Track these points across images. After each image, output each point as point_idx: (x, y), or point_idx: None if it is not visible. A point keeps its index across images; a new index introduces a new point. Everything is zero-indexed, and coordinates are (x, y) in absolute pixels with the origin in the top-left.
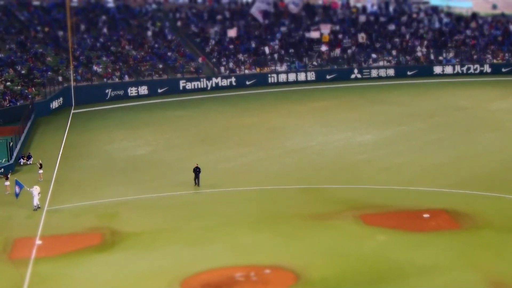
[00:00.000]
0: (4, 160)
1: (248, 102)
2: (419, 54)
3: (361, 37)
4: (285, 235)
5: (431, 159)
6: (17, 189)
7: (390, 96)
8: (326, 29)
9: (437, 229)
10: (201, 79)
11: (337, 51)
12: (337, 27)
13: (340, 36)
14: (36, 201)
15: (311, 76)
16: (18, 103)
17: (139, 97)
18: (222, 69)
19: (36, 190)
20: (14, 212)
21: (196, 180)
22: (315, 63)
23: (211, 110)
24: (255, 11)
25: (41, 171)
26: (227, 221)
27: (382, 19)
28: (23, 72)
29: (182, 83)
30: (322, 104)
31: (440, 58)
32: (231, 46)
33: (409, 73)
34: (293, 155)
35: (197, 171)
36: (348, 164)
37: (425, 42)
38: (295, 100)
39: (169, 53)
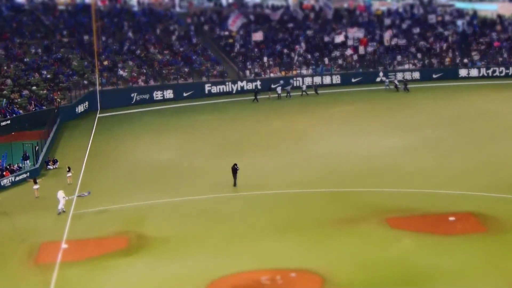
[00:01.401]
0: (30, 164)
1: (273, 106)
2: (444, 56)
3: (386, 40)
4: (311, 240)
5: (457, 163)
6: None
7: (416, 99)
8: (353, 32)
9: (463, 233)
10: (227, 83)
11: (362, 54)
12: (362, 30)
13: (365, 38)
14: (61, 206)
15: (336, 79)
16: (43, 108)
17: (164, 101)
18: (248, 72)
19: (60, 194)
20: (40, 217)
21: (234, 181)
22: (339, 63)
23: (236, 114)
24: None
25: (69, 174)
26: (253, 226)
27: (407, 21)
28: (48, 76)
29: (207, 87)
30: (347, 108)
31: (465, 61)
32: (256, 50)
33: (434, 76)
34: (318, 160)
35: (235, 170)
36: (373, 168)
37: (451, 45)
38: (321, 104)
39: (194, 57)
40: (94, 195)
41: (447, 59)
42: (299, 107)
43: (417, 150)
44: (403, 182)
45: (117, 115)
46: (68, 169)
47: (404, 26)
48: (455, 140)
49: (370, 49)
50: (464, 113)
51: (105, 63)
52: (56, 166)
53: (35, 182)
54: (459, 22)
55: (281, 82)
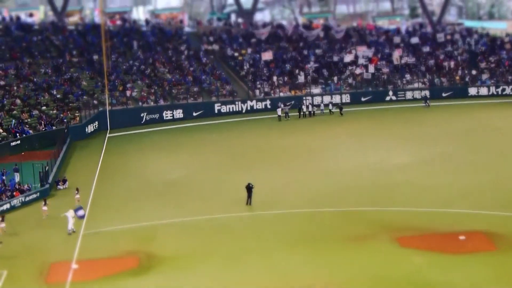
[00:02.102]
0: (39, 184)
1: (283, 125)
2: (454, 75)
3: (396, 58)
4: (321, 257)
5: (467, 181)
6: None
7: (425, 117)
8: (362, 51)
9: (474, 251)
10: (236, 102)
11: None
12: (372, 49)
13: (375, 57)
14: (70, 226)
15: (346, 98)
16: (53, 127)
17: (174, 120)
18: (257, 92)
19: (70, 214)
20: (51, 236)
21: (249, 200)
22: (349, 81)
23: (246, 133)
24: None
25: (78, 195)
26: (263, 243)
27: (416, 40)
28: (58, 96)
29: (217, 106)
30: (357, 126)
31: (474, 72)
32: (266, 69)
33: (444, 94)
34: (329, 177)
35: (249, 189)
36: (384, 186)
37: (460, 64)
38: (331, 122)
39: (204, 76)
40: (105, 214)
41: (457, 78)
42: (309, 126)
43: (427, 167)
44: (413, 200)
45: (127, 134)
46: (76, 191)
47: (413, 45)
48: (465, 157)
49: (381, 68)
50: (474, 130)
51: (119, 88)
52: (66, 186)
53: (45, 203)
54: (469, 41)
55: (292, 102)
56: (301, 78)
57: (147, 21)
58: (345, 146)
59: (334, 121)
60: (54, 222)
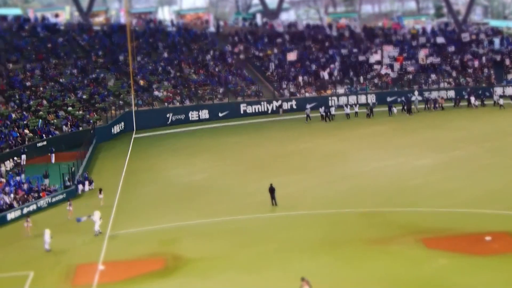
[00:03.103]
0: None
1: (308, 126)
2: (479, 75)
3: (421, 58)
4: (344, 260)
5: (488, 183)
6: (83, 218)
7: (448, 119)
8: (388, 51)
9: (500, 253)
10: (262, 103)
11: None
12: (397, 49)
13: (401, 57)
14: (97, 227)
15: (372, 98)
16: (79, 128)
17: (200, 121)
18: (285, 92)
19: (97, 215)
20: (76, 238)
21: (273, 201)
22: (375, 82)
23: (269, 135)
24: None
25: (101, 196)
26: (284, 247)
27: (441, 40)
28: (84, 97)
29: (243, 107)
30: (380, 128)
31: (501, 79)
32: (292, 70)
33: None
34: (348, 180)
35: (272, 190)
36: (403, 189)
37: (485, 63)
38: (355, 124)
39: (229, 77)
40: (130, 216)
41: (482, 78)
42: (335, 127)
43: (449, 168)
44: (436, 202)
45: (153, 135)
46: (99, 191)
47: (438, 44)
48: (485, 160)
49: (407, 67)
50: (497, 131)
51: (141, 82)
52: (92, 187)
53: (70, 204)
54: (494, 40)
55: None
56: (324, 75)
57: (172, 22)
58: (366, 148)
59: (358, 123)
60: (80, 224)
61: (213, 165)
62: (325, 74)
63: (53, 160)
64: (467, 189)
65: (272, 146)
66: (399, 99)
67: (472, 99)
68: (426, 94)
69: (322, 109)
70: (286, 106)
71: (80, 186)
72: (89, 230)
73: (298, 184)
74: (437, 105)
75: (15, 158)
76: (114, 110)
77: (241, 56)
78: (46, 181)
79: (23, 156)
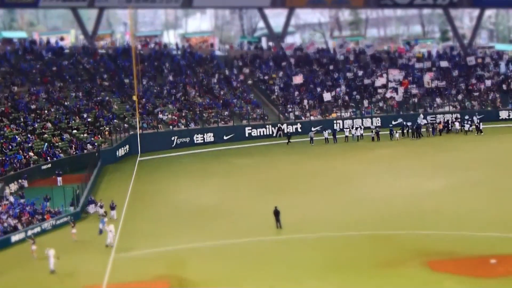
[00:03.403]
0: (71, 208)
1: (313, 149)
2: (485, 98)
3: (427, 82)
4: (353, 283)
5: (498, 204)
6: (100, 226)
7: (457, 141)
8: (394, 75)
9: (506, 275)
10: (267, 126)
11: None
12: (403, 72)
13: (406, 81)
14: (109, 240)
15: (377, 122)
16: (84, 151)
17: (205, 144)
18: (290, 115)
19: (110, 228)
20: (81, 259)
21: (278, 224)
22: (380, 105)
23: (276, 157)
24: None
25: (113, 212)
26: (292, 270)
27: (447, 64)
28: (89, 120)
29: (248, 130)
30: (388, 151)
31: (506, 102)
32: (297, 93)
33: (475, 117)
34: (359, 202)
35: (277, 213)
36: (415, 211)
37: (491, 87)
38: (361, 147)
39: (234, 100)
40: (135, 238)
41: (487, 101)
42: (340, 150)
43: (458, 191)
44: (444, 224)
45: (158, 158)
46: (104, 213)
47: (444, 68)
48: (497, 182)
49: (412, 91)
50: (505, 154)
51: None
52: (97, 210)
53: (73, 226)
54: (500, 64)
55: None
56: (326, 96)
57: (177, 45)
58: (374, 172)
59: (365, 146)
60: (85, 245)
61: (221, 186)
62: (326, 96)
63: (60, 183)
64: (478, 212)
65: (279, 168)
66: (405, 123)
67: (457, 124)
68: (420, 120)
69: (326, 133)
70: (291, 129)
71: (91, 207)
72: (94, 252)
73: (305, 206)
74: (435, 130)
75: (20, 180)
76: (115, 133)
77: (249, 82)
78: (47, 204)
79: (25, 181)
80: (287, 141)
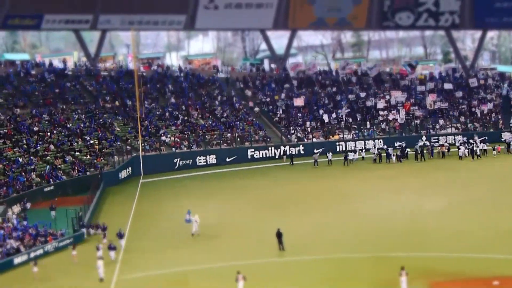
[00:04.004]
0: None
1: (316, 170)
2: (487, 120)
3: (429, 104)
4: None
5: (500, 224)
6: (187, 216)
7: (458, 163)
8: (396, 96)
9: None
10: (269, 148)
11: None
12: (405, 94)
13: (408, 103)
14: (195, 228)
15: (379, 143)
16: (87, 173)
17: (207, 166)
18: (292, 137)
19: (197, 217)
20: (83, 282)
21: (281, 246)
22: (382, 127)
23: (279, 178)
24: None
25: (104, 240)
26: None
27: (449, 86)
28: (91, 142)
29: (250, 152)
30: (390, 171)
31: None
32: (299, 115)
33: (477, 139)
34: (361, 222)
35: (279, 235)
36: (417, 231)
37: (493, 109)
38: (363, 168)
39: (237, 122)
40: (139, 260)
41: (490, 123)
42: (342, 171)
43: (460, 211)
44: (446, 245)
45: (160, 180)
46: (103, 235)
47: (446, 90)
48: (498, 201)
49: (415, 113)
50: (507, 174)
51: (146, 125)
52: (99, 232)
53: (73, 248)
54: (502, 86)
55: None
56: (326, 118)
57: (180, 68)
58: (377, 191)
59: (367, 167)
60: (86, 268)
61: (225, 207)
62: (326, 117)
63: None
64: (480, 231)
65: (285, 188)
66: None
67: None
68: (421, 143)
69: (330, 154)
70: (293, 151)
71: (91, 230)
72: (94, 275)
73: (311, 225)
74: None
75: (22, 202)
76: (118, 155)
77: (256, 109)
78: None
79: (28, 203)
80: (290, 162)
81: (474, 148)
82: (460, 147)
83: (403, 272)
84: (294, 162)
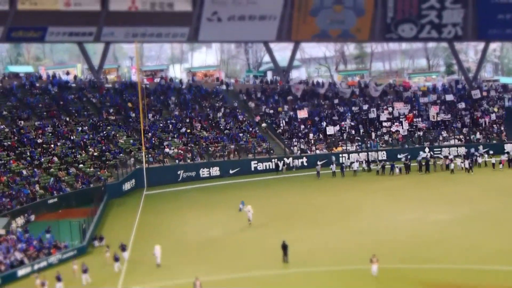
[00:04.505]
0: (76, 242)
1: (319, 182)
2: (490, 132)
3: (432, 116)
4: None
5: (506, 236)
6: (241, 206)
7: (461, 175)
8: (399, 108)
9: None
10: (273, 160)
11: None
12: (408, 106)
13: (411, 115)
14: (250, 217)
15: (382, 155)
16: (90, 185)
17: (211, 178)
18: (294, 149)
19: (249, 207)
20: None
21: (285, 258)
22: (385, 139)
23: (282, 190)
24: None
25: (108, 254)
26: None
27: (452, 97)
28: (95, 154)
29: (253, 164)
30: (394, 183)
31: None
32: (302, 127)
33: (480, 151)
34: (365, 235)
35: (285, 247)
36: (421, 244)
37: (496, 120)
38: (367, 180)
39: (240, 134)
40: (143, 273)
41: (493, 134)
42: (346, 183)
43: (465, 223)
44: (451, 257)
45: (164, 192)
46: (107, 248)
47: (449, 101)
48: (503, 214)
49: (418, 125)
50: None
51: (149, 137)
52: (103, 244)
53: (74, 262)
54: (505, 97)
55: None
56: (330, 130)
57: (182, 80)
58: (380, 204)
59: (370, 178)
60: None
61: (227, 219)
62: (330, 129)
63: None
64: (485, 244)
65: (289, 200)
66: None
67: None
68: (424, 154)
69: (333, 166)
70: (297, 163)
71: (96, 242)
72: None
73: (315, 238)
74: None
75: (26, 214)
76: (122, 167)
77: (264, 125)
78: (48, 236)
79: (32, 215)
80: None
81: (479, 161)
82: (456, 159)
83: (374, 259)
84: (298, 174)
